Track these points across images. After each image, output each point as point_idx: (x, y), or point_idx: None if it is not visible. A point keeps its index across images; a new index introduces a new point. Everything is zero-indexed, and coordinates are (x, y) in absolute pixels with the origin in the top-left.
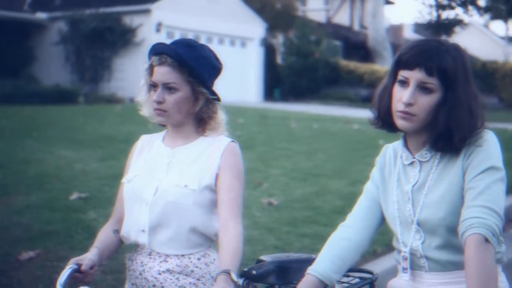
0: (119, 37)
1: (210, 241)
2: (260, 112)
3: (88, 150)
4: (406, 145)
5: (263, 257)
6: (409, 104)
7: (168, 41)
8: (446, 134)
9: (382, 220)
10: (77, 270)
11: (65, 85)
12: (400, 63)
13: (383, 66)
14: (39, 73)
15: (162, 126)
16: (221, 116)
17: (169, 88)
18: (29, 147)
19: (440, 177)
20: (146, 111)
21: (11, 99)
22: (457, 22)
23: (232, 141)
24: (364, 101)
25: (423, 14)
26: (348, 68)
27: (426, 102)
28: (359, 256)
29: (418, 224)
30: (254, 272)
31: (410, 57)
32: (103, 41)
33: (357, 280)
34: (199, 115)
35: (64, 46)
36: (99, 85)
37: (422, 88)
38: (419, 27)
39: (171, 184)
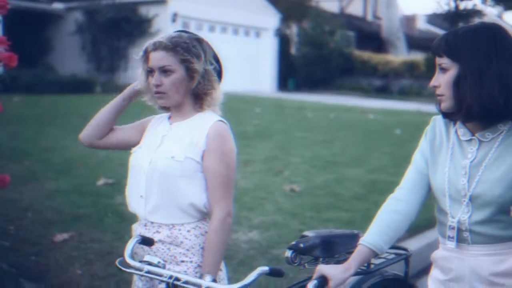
0: (136, 27)
1: (201, 212)
2: (275, 102)
3: None
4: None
5: (306, 232)
6: (434, 87)
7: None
8: (472, 106)
9: (429, 191)
10: (141, 241)
11: (81, 75)
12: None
13: (397, 56)
14: (56, 62)
15: (167, 110)
16: (217, 92)
17: (165, 71)
18: (53, 135)
19: (500, 158)
20: (148, 97)
21: (31, 88)
22: (475, 12)
23: (220, 120)
24: (378, 91)
25: (441, 4)
26: (362, 59)
27: (444, 80)
28: (407, 227)
29: (470, 198)
30: (301, 245)
31: (431, 47)
32: (119, 31)
33: (393, 256)
34: (195, 91)
35: (81, 36)
36: (116, 75)
37: (441, 69)
38: (432, 18)
39: (161, 155)
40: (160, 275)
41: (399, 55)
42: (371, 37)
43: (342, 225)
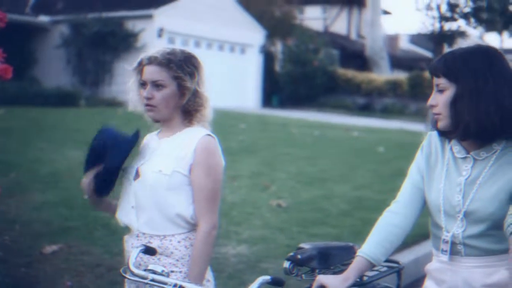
0: (121, 42)
1: (190, 224)
2: (260, 118)
3: None
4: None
5: (303, 244)
6: (431, 106)
7: (169, 47)
8: (469, 125)
9: (424, 205)
10: (145, 251)
11: (66, 88)
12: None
13: (380, 75)
14: (41, 75)
15: (157, 122)
16: (207, 109)
17: (157, 85)
18: (38, 147)
19: (493, 176)
20: (136, 107)
21: (16, 101)
22: (460, 33)
23: (208, 134)
24: (362, 110)
25: (426, 25)
26: (345, 77)
27: (442, 99)
28: (403, 240)
29: (465, 214)
30: (299, 256)
31: (429, 67)
32: (105, 45)
33: (385, 268)
34: (186, 108)
35: (66, 49)
36: (100, 89)
37: (438, 89)
38: (415, 38)
39: (149, 169)
40: (165, 283)
41: (383, 74)
42: (354, 55)
43: (330, 240)
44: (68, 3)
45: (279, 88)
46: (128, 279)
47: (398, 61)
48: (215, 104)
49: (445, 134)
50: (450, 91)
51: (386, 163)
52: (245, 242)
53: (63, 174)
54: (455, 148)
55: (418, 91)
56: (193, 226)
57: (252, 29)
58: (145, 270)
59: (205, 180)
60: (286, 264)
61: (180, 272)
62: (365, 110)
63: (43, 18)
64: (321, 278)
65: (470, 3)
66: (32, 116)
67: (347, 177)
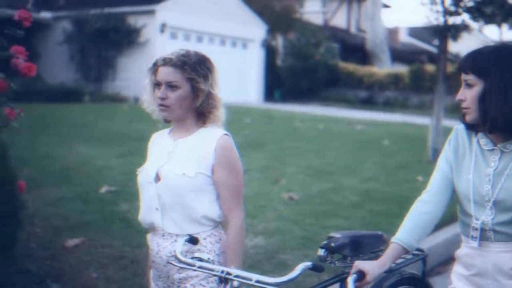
0: (124, 37)
1: (215, 222)
2: (264, 112)
3: (105, 147)
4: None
5: (333, 234)
6: (460, 100)
7: (171, 42)
8: (496, 119)
9: (453, 194)
10: (189, 240)
11: (69, 84)
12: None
13: (381, 68)
14: (44, 71)
15: (167, 122)
16: (220, 110)
17: (171, 86)
18: (48, 143)
19: None
20: (150, 107)
21: (20, 97)
22: (464, 27)
23: (225, 134)
24: (363, 103)
25: (430, 19)
26: (347, 70)
27: (470, 95)
28: (434, 227)
29: (494, 203)
30: (332, 244)
31: (459, 64)
32: (107, 41)
33: (410, 256)
34: (200, 109)
35: (69, 45)
36: (103, 84)
37: (467, 84)
38: (414, 31)
39: (171, 171)
40: (212, 270)
41: (384, 67)
42: (355, 49)
43: None
44: None
45: (281, 82)
46: (176, 266)
47: (398, 54)
48: None
49: (472, 127)
50: (478, 87)
51: (391, 156)
52: (261, 234)
53: (73, 170)
54: (482, 140)
55: (420, 84)
56: (217, 223)
57: (253, 24)
58: (192, 258)
59: (229, 178)
60: (321, 252)
61: None
62: (367, 103)
63: (45, 14)
64: (359, 264)
65: None
66: (37, 112)
67: (354, 170)
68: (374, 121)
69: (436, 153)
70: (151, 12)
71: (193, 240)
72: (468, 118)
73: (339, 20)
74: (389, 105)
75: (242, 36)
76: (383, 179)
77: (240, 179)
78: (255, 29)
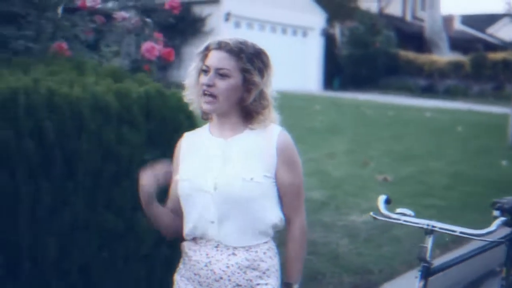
0: (189, 26)
1: (272, 231)
2: (329, 100)
3: None
4: None
5: (497, 200)
6: None
7: (235, 31)
8: None
9: None
10: (386, 201)
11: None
12: None
13: (440, 56)
14: None
15: (205, 119)
16: (272, 113)
17: (221, 74)
18: None
19: None
20: (191, 96)
21: None
22: None
23: (283, 130)
24: (424, 91)
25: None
26: (407, 58)
27: None
28: None
29: None
30: (505, 206)
31: None
32: (173, 30)
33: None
34: (248, 108)
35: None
36: (169, 72)
37: None
38: (467, 19)
39: (233, 176)
40: (417, 223)
41: (442, 55)
42: (411, 37)
43: (443, 211)
44: None
45: (340, 70)
46: (380, 219)
47: (454, 43)
48: (279, 86)
49: None
50: None
51: (468, 141)
52: (369, 211)
53: None
54: None
55: (481, 73)
56: (272, 233)
57: (314, 12)
58: (396, 213)
59: (293, 178)
60: (496, 213)
61: (266, 284)
62: (428, 91)
63: (111, 5)
64: None
65: None
66: None
67: (436, 154)
68: (439, 109)
69: None
70: (216, 1)
71: (388, 201)
72: None
73: (394, 8)
74: (450, 94)
75: (302, 24)
76: (468, 162)
77: (301, 178)
78: (315, 18)
